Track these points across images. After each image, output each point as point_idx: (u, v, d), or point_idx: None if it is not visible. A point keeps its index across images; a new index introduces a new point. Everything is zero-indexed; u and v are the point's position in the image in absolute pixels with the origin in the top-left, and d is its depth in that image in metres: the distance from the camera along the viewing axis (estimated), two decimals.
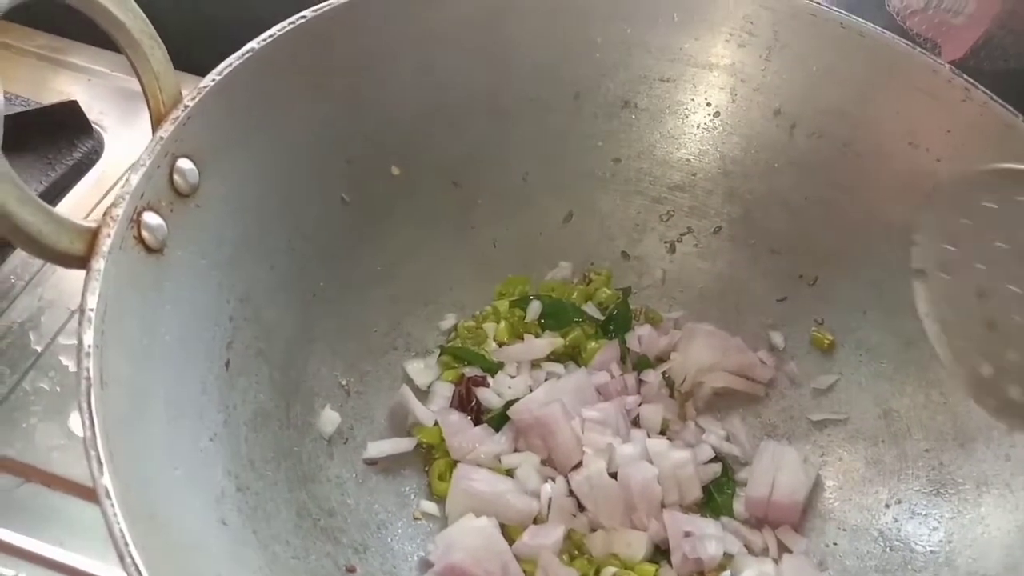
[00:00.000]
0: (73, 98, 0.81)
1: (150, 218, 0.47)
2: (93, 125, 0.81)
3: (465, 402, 0.64)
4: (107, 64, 0.89)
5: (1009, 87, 0.58)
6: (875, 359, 0.63)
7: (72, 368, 0.67)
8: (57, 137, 0.79)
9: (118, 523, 0.37)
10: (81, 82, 0.87)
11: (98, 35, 0.89)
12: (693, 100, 0.68)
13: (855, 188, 0.64)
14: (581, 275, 0.72)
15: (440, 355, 0.67)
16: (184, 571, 0.40)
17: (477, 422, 0.64)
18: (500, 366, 0.66)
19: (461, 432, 0.62)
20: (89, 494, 0.60)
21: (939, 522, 0.56)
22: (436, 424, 0.63)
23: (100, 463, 0.38)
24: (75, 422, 0.64)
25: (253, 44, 0.54)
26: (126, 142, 0.82)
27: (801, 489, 0.59)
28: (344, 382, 0.62)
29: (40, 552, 0.58)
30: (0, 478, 0.61)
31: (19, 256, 0.73)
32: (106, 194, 0.78)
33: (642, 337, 0.68)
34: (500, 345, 0.68)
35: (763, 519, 0.61)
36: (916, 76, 0.60)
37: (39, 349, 0.68)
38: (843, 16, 0.62)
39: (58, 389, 0.66)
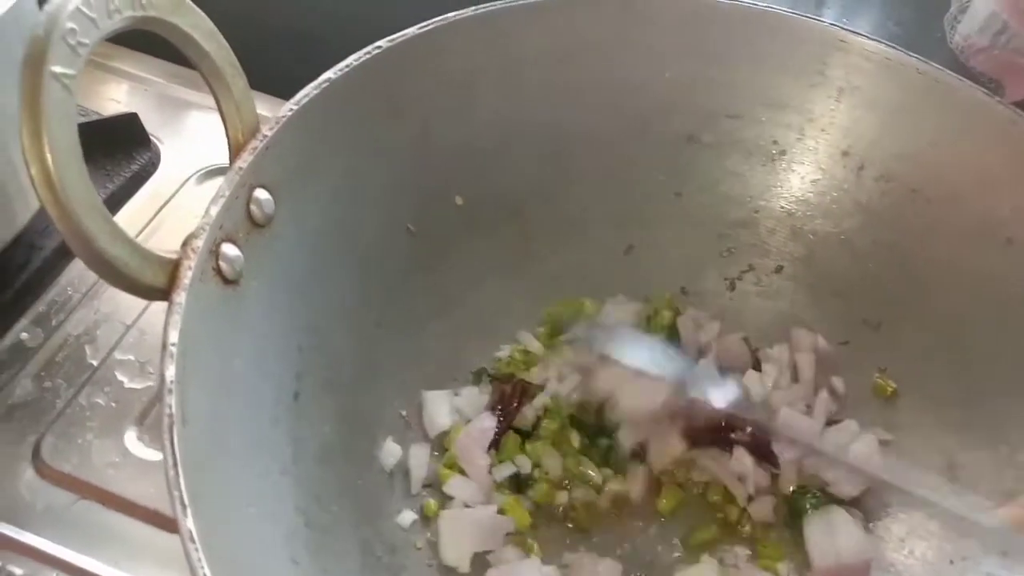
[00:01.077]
0: (129, 108, 0.82)
1: (228, 249, 0.47)
2: (150, 137, 0.81)
3: (508, 400, 0.64)
4: (161, 73, 0.89)
5: None
6: (940, 409, 0.62)
7: (128, 384, 0.67)
8: (115, 148, 0.79)
9: (203, 568, 0.37)
10: (136, 91, 0.88)
11: (153, 44, 0.90)
12: (759, 138, 0.67)
13: (924, 234, 0.63)
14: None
15: (491, 381, 0.67)
16: None
17: (505, 427, 0.63)
18: (540, 389, 0.65)
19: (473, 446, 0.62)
20: (145, 515, 0.60)
21: None
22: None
23: (184, 505, 0.38)
24: (131, 439, 0.64)
25: (330, 74, 0.54)
26: (181, 154, 0.82)
27: (867, 545, 0.58)
28: (404, 413, 0.62)
29: (96, 572, 0.58)
30: (56, 494, 0.61)
31: (77, 268, 0.73)
32: (162, 207, 0.78)
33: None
34: None
35: None
36: (993, 126, 0.59)
37: (95, 363, 0.68)
38: (919, 62, 0.61)
39: (114, 405, 0.65)
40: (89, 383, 0.67)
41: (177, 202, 0.78)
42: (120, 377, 0.67)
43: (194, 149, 0.82)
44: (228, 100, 0.50)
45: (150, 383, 0.67)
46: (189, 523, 0.38)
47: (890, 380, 0.65)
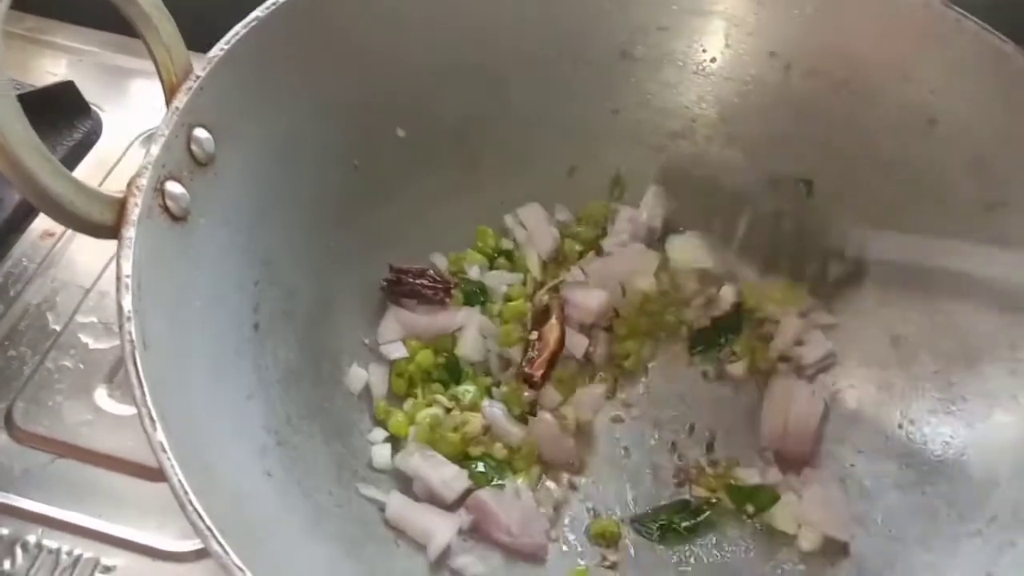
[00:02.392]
0: (68, 79, 0.81)
1: (173, 187, 0.48)
2: (90, 105, 0.81)
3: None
4: (96, 43, 0.89)
5: (1000, 18, 0.59)
6: (880, 288, 0.65)
7: (93, 345, 0.68)
8: (55, 119, 0.79)
9: (176, 474, 0.38)
10: (72, 63, 0.87)
11: (85, 14, 0.89)
12: (689, 47, 0.69)
13: (853, 126, 0.65)
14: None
15: None
16: (239, 518, 0.41)
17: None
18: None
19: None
20: (122, 466, 0.62)
21: (952, 437, 0.58)
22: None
23: (153, 420, 0.40)
24: (101, 397, 0.65)
25: (258, 12, 0.55)
26: (123, 120, 0.82)
27: (813, 418, 0.62)
28: (367, 340, 0.64)
29: (82, 524, 0.59)
30: (33, 454, 0.62)
31: (28, 240, 0.73)
32: (109, 173, 0.78)
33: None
34: None
35: (780, 450, 0.63)
36: (908, 11, 0.61)
37: (58, 328, 0.68)
38: None
39: (81, 366, 0.66)
40: (54, 348, 0.67)
41: (123, 168, 0.79)
42: (84, 339, 0.68)
43: (136, 114, 0.82)
44: (158, 44, 0.51)
45: (116, 342, 0.68)
46: (159, 436, 0.39)
47: None
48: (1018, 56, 0.56)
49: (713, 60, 0.69)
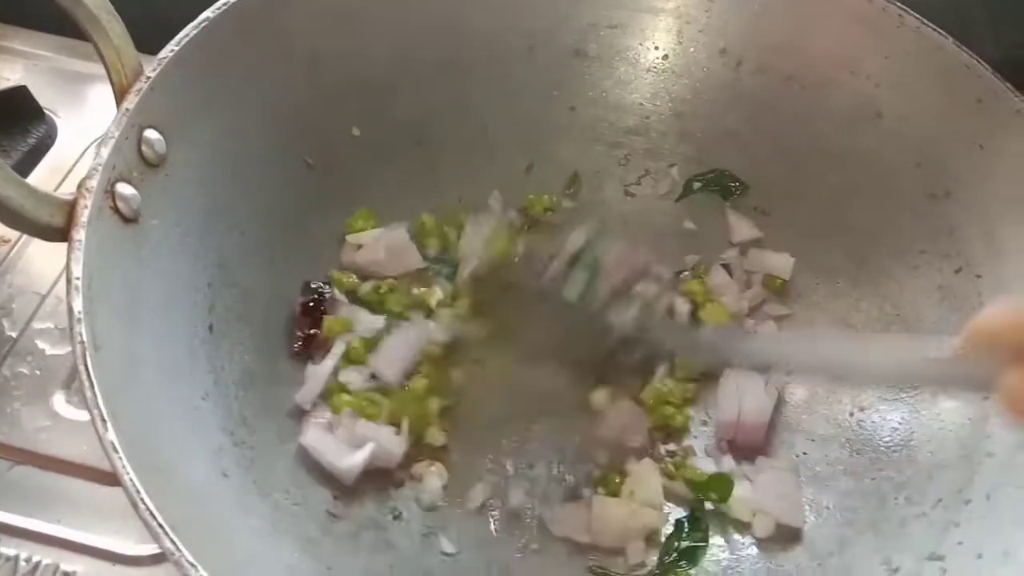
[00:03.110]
0: (21, 84, 0.81)
1: (123, 188, 0.48)
2: (44, 110, 0.81)
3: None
4: (50, 47, 0.88)
5: (939, 12, 0.61)
6: (831, 280, 0.67)
7: (50, 351, 0.67)
8: (9, 124, 0.78)
9: (128, 473, 0.39)
10: (27, 67, 0.86)
11: (39, 19, 0.88)
12: (642, 45, 0.70)
13: (802, 119, 0.67)
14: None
15: None
16: (193, 517, 0.41)
17: None
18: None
19: None
20: (81, 472, 0.61)
21: (900, 423, 0.60)
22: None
23: (104, 420, 0.40)
24: (59, 403, 0.64)
25: (208, 13, 0.55)
26: (78, 125, 0.81)
27: (765, 411, 0.63)
28: None
29: (40, 530, 0.58)
30: None
31: None
32: (64, 178, 0.78)
33: None
34: None
35: (735, 440, 0.64)
36: (852, 6, 0.62)
37: (14, 335, 0.68)
38: None
39: (38, 373, 0.66)
40: (11, 354, 0.67)
41: (78, 173, 0.77)
42: (41, 345, 0.67)
43: (91, 119, 0.81)
44: (107, 46, 0.51)
45: None
46: (111, 436, 0.39)
47: None
48: (956, 51, 0.58)
49: (665, 57, 0.70)
